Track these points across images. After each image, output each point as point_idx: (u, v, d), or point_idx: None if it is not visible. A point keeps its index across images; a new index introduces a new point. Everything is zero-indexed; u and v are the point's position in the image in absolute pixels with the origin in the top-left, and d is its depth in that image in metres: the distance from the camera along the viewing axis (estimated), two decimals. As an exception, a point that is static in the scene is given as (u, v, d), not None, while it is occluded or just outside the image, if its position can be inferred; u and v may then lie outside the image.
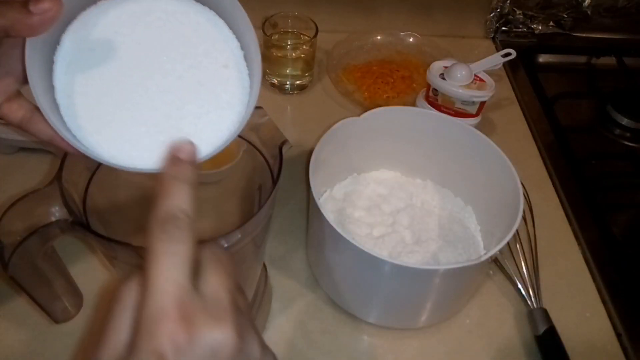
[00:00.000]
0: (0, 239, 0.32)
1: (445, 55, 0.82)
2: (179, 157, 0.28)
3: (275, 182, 0.37)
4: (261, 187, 0.42)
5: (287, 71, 0.77)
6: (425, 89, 0.70)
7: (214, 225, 0.50)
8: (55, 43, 0.29)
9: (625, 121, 0.77)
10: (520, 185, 0.49)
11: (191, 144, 0.29)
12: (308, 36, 0.76)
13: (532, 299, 0.54)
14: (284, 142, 0.38)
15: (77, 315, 0.43)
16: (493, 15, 0.89)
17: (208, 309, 0.24)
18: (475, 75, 0.66)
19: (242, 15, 0.30)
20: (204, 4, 0.30)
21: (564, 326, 0.52)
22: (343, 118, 0.54)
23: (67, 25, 0.29)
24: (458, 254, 0.53)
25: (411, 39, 0.86)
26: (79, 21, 0.29)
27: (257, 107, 0.40)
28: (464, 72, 0.65)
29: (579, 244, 0.62)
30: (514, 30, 0.92)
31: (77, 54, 0.29)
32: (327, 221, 0.44)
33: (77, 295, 0.43)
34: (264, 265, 0.52)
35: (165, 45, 0.30)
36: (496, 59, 0.67)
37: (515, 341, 0.52)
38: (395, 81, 0.78)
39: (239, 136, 0.42)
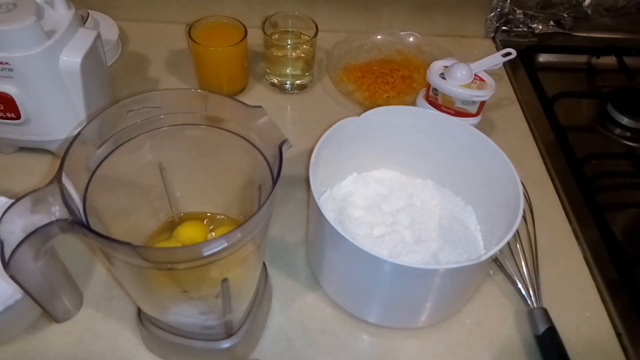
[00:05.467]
0: (1, 239, 0.32)
1: (445, 54, 0.82)
2: None
3: (275, 181, 0.37)
4: (261, 186, 0.42)
5: (287, 71, 0.77)
6: (425, 88, 0.70)
7: (214, 225, 0.50)
8: None
9: (625, 120, 0.77)
10: (520, 185, 0.49)
11: None
12: (308, 36, 0.76)
13: (532, 298, 0.54)
14: (284, 141, 0.38)
15: (77, 315, 0.43)
16: (493, 15, 0.89)
17: None
18: (475, 74, 0.66)
19: None
20: None
21: (564, 326, 0.52)
22: (343, 118, 0.54)
23: None
24: (458, 254, 0.53)
25: (411, 39, 0.86)
26: None
27: (257, 107, 0.40)
28: (464, 72, 0.65)
29: (579, 244, 0.62)
30: (514, 29, 0.92)
31: None
32: (327, 221, 0.44)
33: (77, 295, 0.43)
34: (264, 265, 0.52)
35: None
36: (496, 59, 0.67)
37: (515, 341, 0.52)
38: (396, 81, 0.78)
39: (240, 136, 0.42)
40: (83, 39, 0.59)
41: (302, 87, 0.79)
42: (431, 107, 0.68)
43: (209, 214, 0.50)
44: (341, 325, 0.52)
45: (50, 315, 0.40)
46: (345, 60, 0.83)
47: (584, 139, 0.76)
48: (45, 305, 0.39)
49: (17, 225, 0.33)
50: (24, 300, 0.45)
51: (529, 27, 0.92)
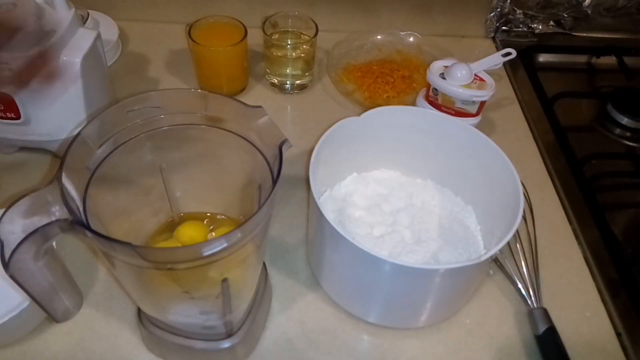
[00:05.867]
0: (1, 239, 0.32)
1: (445, 54, 0.82)
2: None
3: (275, 181, 0.37)
4: (261, 186, 0.42)
5: (287, 71, 0.77)
6: (425, 88, 0.70)
7: (214, 225, 0.50)
8: None
9: (625, 120, 0.77)
10: (520, 185, 0.49)
11: None
12: (308, 36, 0.76)
13: (532, 298, 0.54)
14: (284, 141, 0.38)
15: (77, 315, 0.43)
16: (493, 15, 0.89)
17: None
18: (475, 74, 0.66)
19: None
20: None
21: (564, 326, 0.52)
22: (343, 118, 0.54)
23: None
24: (458, 254, 0.53)
25: (411, 39, 0.86)
26: None
27: (257, 107, 0.40)
28: (464, 72, 0.65)
29: (579, 244, 0.62)
30: (514, 29, 0.92)
31: None
32: (327, 221, 0.44)
33: (77, 295, 0.43)
34: (264, 265, 0.52)
35: None
36: (496, 59, 0.67)
37: (515, 341, 0.52)
38: (396, 81, 0.78)
39: (240, 136, 0.42)
40: (83, 39, 0.59)
41: (302, 87, 0.79)
42: (431, 107, 0.68)
43: (209, 214, 0.50)
44: (341, 325, 0.52)
45: (50, 315, 0.40)
46: (345, 60, 0.83)
47: (584, 139, 0.76)
48: (45, 305, 0.39)
49: (17, 225, 0.33)
50: (30, 306, 0.46)
51: (529, 27, 0.92)
